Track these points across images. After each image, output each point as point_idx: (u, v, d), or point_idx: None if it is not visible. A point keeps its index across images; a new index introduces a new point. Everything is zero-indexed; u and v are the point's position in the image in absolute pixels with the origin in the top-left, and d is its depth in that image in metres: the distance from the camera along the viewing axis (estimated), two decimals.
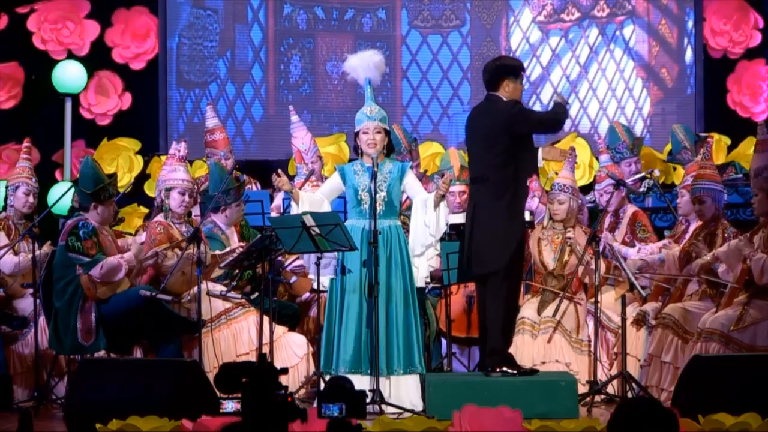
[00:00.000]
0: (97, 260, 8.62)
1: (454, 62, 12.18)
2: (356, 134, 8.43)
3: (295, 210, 8.32)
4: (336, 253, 8.22)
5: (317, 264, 8.20)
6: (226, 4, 12.11)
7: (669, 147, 11.09)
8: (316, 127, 11.68)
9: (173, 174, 9.18)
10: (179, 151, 9.43)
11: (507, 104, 8.13)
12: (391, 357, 8.15)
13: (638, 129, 12.02)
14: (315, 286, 8.35)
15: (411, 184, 8.38)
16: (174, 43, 12.09)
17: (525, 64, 12.02)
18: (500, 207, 8.06)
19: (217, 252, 8.95)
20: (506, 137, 8.04)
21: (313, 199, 8.35)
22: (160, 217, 9.13)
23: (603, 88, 12.19)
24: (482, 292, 8.15)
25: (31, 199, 9.42)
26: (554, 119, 8.26)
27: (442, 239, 8.77)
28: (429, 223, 8.25)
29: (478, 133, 8.14)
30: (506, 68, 8.23)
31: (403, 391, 8.17)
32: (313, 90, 11.89)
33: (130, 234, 10.03)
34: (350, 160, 11.40)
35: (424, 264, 8.32)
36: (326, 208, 8.33)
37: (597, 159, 11.06)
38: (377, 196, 8.25)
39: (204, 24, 12.09)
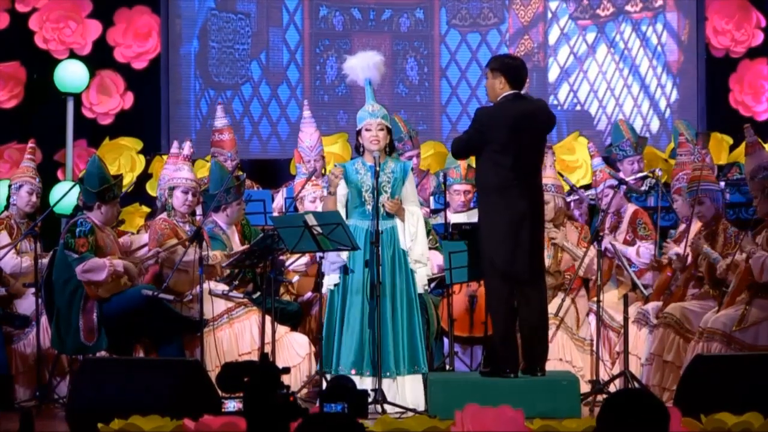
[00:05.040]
0: (84, 258, 8.60)
1: None
2: (358, 132, 8.43)
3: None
4: (344, 255, 8.23)
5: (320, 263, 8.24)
6: (259, 8, 12.10)
7: (672, 145, 11.09)
8: (352, 126, 11.70)
9: (177, 173, 9.17)
10: (183, 150, 9.43)
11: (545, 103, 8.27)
12: (396, 358, 8.16)
13: (638, 126, 12.02)
14: (323, 290, 8.38)
15: (407, 189, 8.38)
16: (191, 46, 12.06)
17: (563, 61, 12.10)
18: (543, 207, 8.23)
19: (224, 253, 8.95)
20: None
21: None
22: (163, 216, 9.12)
23: (614, 86, 12.21)
24: (510, 293, 8.02)
25: (34, 198, 9.45)
26: None
27: (444, 238, 8.78)
28: (406, 232, 8.29)
29: (535, 129, 8.03)
30: None
31: (408, 391, 8.18)
32: (349, 90, 11.87)
33: (132, 233, 10.01)
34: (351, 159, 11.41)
35: (423, 271, 8.35)
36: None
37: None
38: (381, 196, 8.24)
39: (235, 27, 12.08)
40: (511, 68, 8.09)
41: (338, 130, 11.79)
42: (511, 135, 7.91)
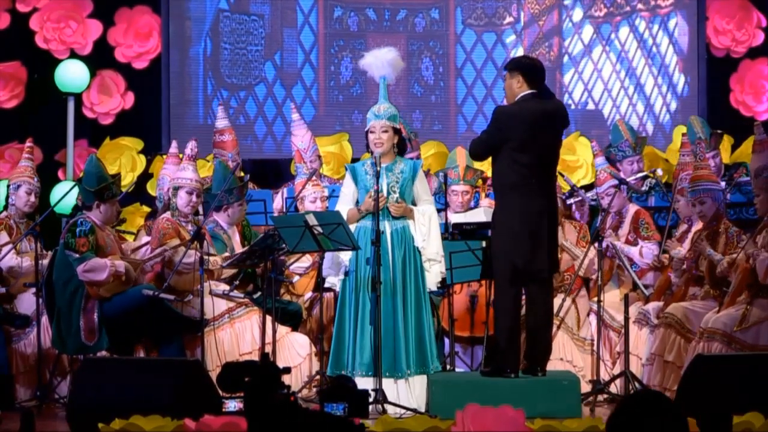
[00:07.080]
0: (85, 258, 8.60)
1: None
2: (367, 133, 8.44)
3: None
4: (347, 256, 8.23)
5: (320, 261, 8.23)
6: (273, 9, 12.10)
7: (676, 144, 11.08)
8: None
9: (181, 173, 9.15)
10: (188, 149, 9.42)
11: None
12: (407, 358, 8.15)
13: (650, 126, 12.03)
14: (331, 286, 8.39)
15: (417, 187, 8.38)
16: (200, 48, 12.06)
17: (576, 60, 12.10)
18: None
19: (222, 256, 8.95)
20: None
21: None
22: (167, 215, 9.11)
23: (618, 85, 12.22)
24: (519, 292, 8.03)
25: (32, 198, 9.44)
26: None
27: (445, 239, 8.76)
28: (417, 231, 8.27)
29: (552, 128, 8.09)
30: None
31: (417, 391, 8.18)
32: (364, 90, 11.88)
33: (132, 233, 10.02)
34: (354, 160, 11.40)
35: (436, 268, 8.34)
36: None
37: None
38: (390, 197, 8.25)
39: (248, 29, 12.08)
40: (528, 68, 8.14)
41: (353, 131, 11.77)
42: (530, 133, 7.96)
